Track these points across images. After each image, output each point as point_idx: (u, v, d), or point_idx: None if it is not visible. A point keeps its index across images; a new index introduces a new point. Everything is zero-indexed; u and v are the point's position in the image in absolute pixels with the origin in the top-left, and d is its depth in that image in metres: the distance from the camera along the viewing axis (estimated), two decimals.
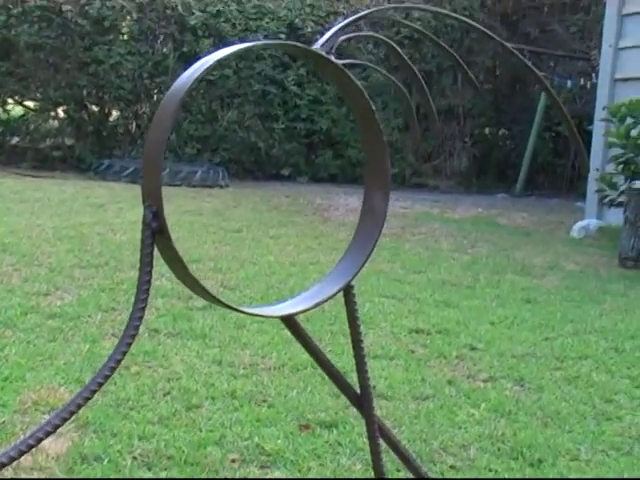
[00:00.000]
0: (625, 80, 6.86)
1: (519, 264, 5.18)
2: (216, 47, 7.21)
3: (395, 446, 1.94)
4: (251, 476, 2.12)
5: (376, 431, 1.84)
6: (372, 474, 1.93)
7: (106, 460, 2.12)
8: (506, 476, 2.21)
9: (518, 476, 2.22)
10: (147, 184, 1.43)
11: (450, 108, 10.00)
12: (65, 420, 1.37)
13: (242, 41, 8.33)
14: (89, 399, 1.39)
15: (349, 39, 1.84)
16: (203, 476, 2.10)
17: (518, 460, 2.29)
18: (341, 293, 1.78)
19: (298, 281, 4.19)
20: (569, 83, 10.35)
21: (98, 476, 2.06)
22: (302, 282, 4.14)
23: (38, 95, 9.23)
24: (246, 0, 9.17)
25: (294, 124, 9.32)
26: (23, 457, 1.39)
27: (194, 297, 3.32)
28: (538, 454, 2.33)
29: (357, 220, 1.85)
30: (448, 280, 4.54)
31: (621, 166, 6.08)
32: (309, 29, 9.14)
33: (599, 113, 6.96)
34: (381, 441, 1.88)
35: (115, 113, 9.44)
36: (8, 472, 1.96)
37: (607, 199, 6.36)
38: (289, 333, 1.78)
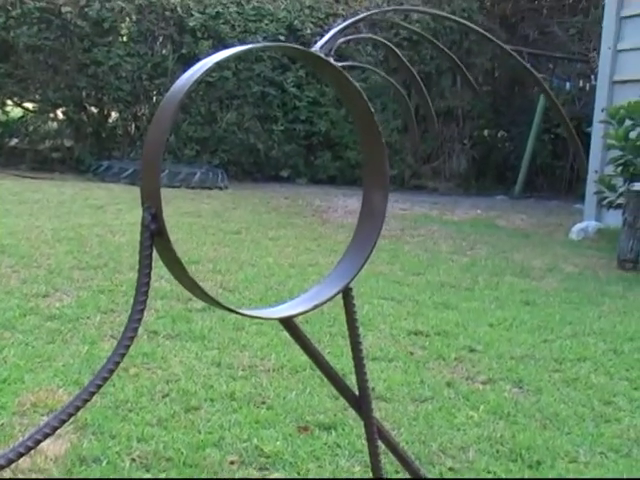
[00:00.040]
0: (624, 82, 6.87)
1: (518, 266, 5.18)
2: (215, 49, 7.21)
3: (394, 448, 1.94)
4: (250, 478, 2.12)
5: (375, 433, 1.84)
6: (371, 476, 1.93)
7: (105, 462, 2.12)
8: (504, 476, 2.21)
9: (517, 476, 2.22)
10: (146, 186, 1.43)
11: (449, 110, 10.01)
12: (64, 422, 1.37)
13: (241, 43, 8.36)
14: (88, 401, 1.39)
15: (348, 41, 1.84)
16: (202, 477, 2.10)
17: (517, 462, 2.29)
18: (340, 295, 1.78)
19: (297, 283, 4.19)
20: (568, 85, 10.36)
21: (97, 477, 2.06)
22: (301, 284, 4.14)
23: (37, 96, 9.23)
24: (245, 2, 9.17)
25: (293, 126, 9.32)
26: (22, 459, 1.39)
27: (193, 299, 3.32)
28: (537, 456, 2.33)
29: (356, 222, 1.86)
30: (447, 282, 4.54)
31: (620, 168, 6.08)
32: (308, 31, 9.15)
33: (598, 115, 6.97)
34: (380, 443, 1.88)
35: (114, 114, 9.44)
36: (6, 474, 1.95)
37: (606, 201, 6.36)
38: (288, 335, 1.78)
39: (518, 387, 2.91)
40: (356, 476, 2.17)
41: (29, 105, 9.44)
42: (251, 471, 2.15)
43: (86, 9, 8.61)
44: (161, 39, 9.09)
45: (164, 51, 9.08)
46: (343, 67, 1.70)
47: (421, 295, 4.16)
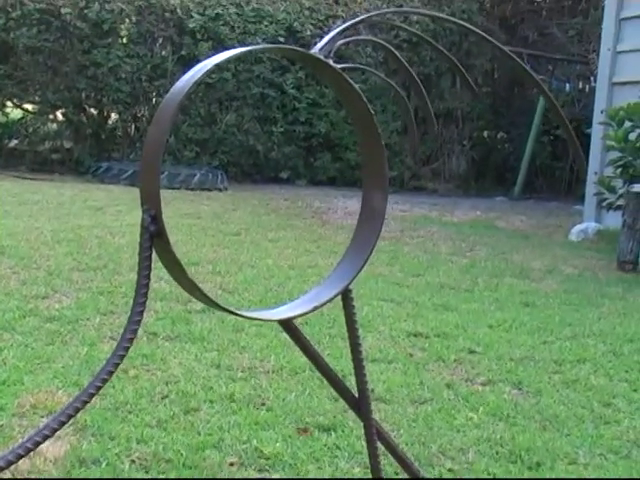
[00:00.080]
0: (623, 84, 6.87)
1: (517, 267, 5.18)
2: (215, 50, 7.22)
3: (393, 449, 1.94)
4: (249, 479, 2.12)
5: (374, 434, 1.84)
6: (370, 477, 1.92)
7: (104, 463, 2.12)
8: (503, 478, 2.22)
9: (517, 477, 2.22)
10: (145, 187, 1.43)
11: (449, 111, 10.01)
12: (63, 424, 1.37)
13: (241, 44, 8.36)
14: (87, 402, 1.39)
15: (347, 43, 1.84)
16: (202, 478, 2.10)
17: (516, 463, 2.29)
18: (339, 296, 1.78)
19: (297, 284, 4.19)
20: (567, 86, 10.37)
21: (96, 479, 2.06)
22: (301, 285, 4.14)
23: (37, 98, 9.23)
24: (245, 3, 9.18)
25: (293, 127, 9.33)
26: (21, 461, 1.39)
27: (193, 300, 3.32)
28: (536, 458, 2.33)
29: (356, 223, 1.86)
30: (447, 283, 4.54)
31: (619, 169, 6.09)
32: (308, 32, 9.15)
33: (597, 116, 6.97)
34: (379, 444, 1.88)
35: (114, 116, 9.45)
36: (6, 476, 1.95)
37: (605, 202, 6.36)
38: (287, 336, 1.78)
39: (518, 389, 2.91)
40: (356, 477, 2.16)
41: (29, 106, 9.44)
42: (251, 472, 2.14)
43: (86, 10, 8.61)
44: (161, 40, 9.09)
45: (164, 52, 9.09)
46: (342, 69, 1.70)
47: (421, 296, 4.16)
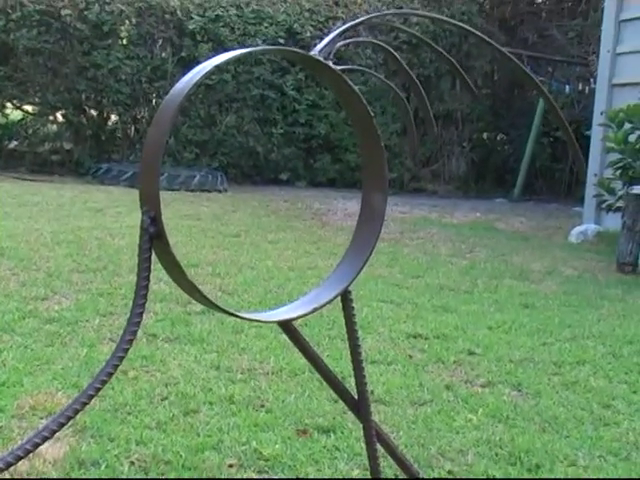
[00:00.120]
0: (623, 85, 6.88)
1: (517, 269, 5.18)
2: (215, 52, 7.22)
3: (393, 451, 1.94)
4: None
5: (373, 436, 1.84)
6: (370, 478, 1.93)
7: (103, 465, 2.12)
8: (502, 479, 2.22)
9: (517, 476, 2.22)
10: (145, 189, 1.43)
11: (448, 113, 10.02)
12: (62, 425, 1.37)
13: (241, 46, 8.36)
14: (86, 404, 1.39)
15: (347, 44, 1.84)
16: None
17: (516, 465, 2.29)
18: (339, 298, 1.78)
19: (296, 286, 4.19)
20: (567, 88, 10.37)
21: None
22: (300, 287, 4.14)
23: (37, 99, 9.24)
24: (245, 5, 9.18)
25: (293, 129, 9.33)
26: (20, 462, 1.39)
27: (192, 302, 3.32)
28: (536, 459, 2.33)
29: (355, 225, 1.86)
30: (446, 285, 4.54)
31: (619, 171, 6.09)
32: (308, 34, 9.16)
33: (597, 118, 6.98)
34: (379, 446, 1.88)
35: (114, 117, 9.45)
36: (5, 477, 1.95)
37: (605, 204, 6.37)
38: (287, 338, 1.78)
39: (517, 390, 2.91)
40: (355, 479, 2.16)
41: (29, 108, 9.45)
42: (250, 474, 2.14)
43: (86, 12, 8.62)
44: (161, 42, 9.09)
45: (164, 54, 9.10)
46: (342, 70, 1.70)
47: (420, 298, 4.16)
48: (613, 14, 7.04)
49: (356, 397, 1.84)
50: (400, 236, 6.20)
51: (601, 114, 6.82)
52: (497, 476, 2.22)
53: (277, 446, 2.28)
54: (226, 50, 1.62)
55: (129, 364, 2.79)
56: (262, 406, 2.58)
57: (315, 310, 1.74)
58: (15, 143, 9.56)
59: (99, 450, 2.18)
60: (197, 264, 4.50)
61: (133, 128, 9.41)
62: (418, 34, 2.32)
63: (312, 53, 1.67)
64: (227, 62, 1.51)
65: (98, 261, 4.42)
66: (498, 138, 11.29)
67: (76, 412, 1.38)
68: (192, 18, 8.90)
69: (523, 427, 2.56)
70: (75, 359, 2.87)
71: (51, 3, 8.53)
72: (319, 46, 1.69)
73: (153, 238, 1.42)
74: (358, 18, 1.85)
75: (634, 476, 2.29)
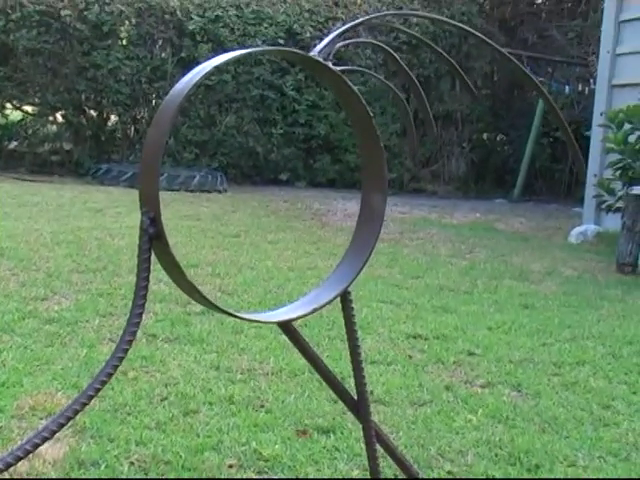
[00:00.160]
0: (623, 86, 6.88)
1: (517, 269, 5.18)
2: (215, 52, 7.22)
3: (392, 451, 1.94)
4: None
5: (373, 437, 1.84)
6: (369, 479, 1.93)
7: (103, 465, 2.12)
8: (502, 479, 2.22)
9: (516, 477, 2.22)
10: (145, 190, 1.43)
11: (448, 113, 10.02)
12: (62, 425, 1.37)
13: (241, 46, 8.36)
14: (86, 404, 1.39)
15: (347, 45, 1.84)
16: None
17: (515, 466, 2.29)
18: (339, 298, 1.78)
19: (296, 286, 4.19)
20: (567, 89, 10.38)
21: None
22: (300, 287, 4.14)
23: (36, 100, 9.24)
24: (245, 5, 9.18)
25: (292, 129, 9.33)
26: (20, 463, 1.39)
27: (192, 302, 3.32)
28: (535, 460, 2.33)
29: (355, 225, 1.86)
30: (446, 285, 4.54)
31: (619, 172, 6.09)
32: (308, 34, 9.16)
33: (597, 119, 6.98)
34: (378, 446, 1.88)
35: (113, 118, 9.45)
36: (5, 477, 1.95)
37: (605, 205, 6.37)
38: (287, 338, 1.78)
39: (517, 391, 2.91)
40: (355, 479, 2.17)
41: (28, 108, 9.45)
42: (250, 474, 2.14)
43: (85, 12, 8.62)
44: (160, 42, 9.09)
45: (163, 54, 9.10)
46: (342, 71, 1.70)
47: (420, 299, 4.16)
48: (613, 15, 7.04)
49: (356, 397, 1.84)
50: (400, 236, 6.20)
51: (601, 115, 6.82)
52: (497, 476, 2.23)
53: (277, 446, 2.28)
54: (226, 51, 1.63)
55: (129, 364, 2.79)
56: (262, 406, 2.58)
57: (315, 311, 1.74)
58: (15, 143, 9.56)
59: (99, 450, 2.18)
60: (197, 264, 4.50)
61: (133, 128, 9.41)
62: (418, 35, 2.33)
63: (312, 54, 1.68)
64: (227, 62, 1.51)
65: (98, 261, 4.42)
66: (498, 139, 11.29)
67: (76, 412, 1.38)
68: (192, 18, 8.90)
69: (523, 427, 2.56)
70: (75, 359, 2.87)
71: (51, 3, 8.53)
72: (319, 47, 1.69)
73: (153, 239, 1.42)
74: (358, 19, 1.85)
75: (634, 476, 2.29)
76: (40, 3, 8.49)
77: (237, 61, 8.37)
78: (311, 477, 2.15)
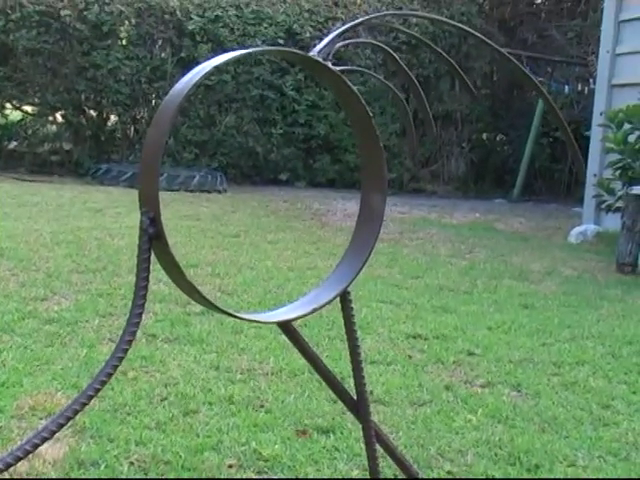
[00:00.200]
0: (622, 86, 6.88)
1: (516, 269, 5.19)
2: (214, 52, 7.22)
3: (392, 451, 1.94)
4: None
5: (373, 437, 1.85)
6: (369, 479, 1.93)
7: (103, 465, 2.12)
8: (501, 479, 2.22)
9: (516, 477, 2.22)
10: (144, 190, 1.43)
11: (448, 113, 10.02)
12: (62, 426, 1.37)
13: (240, 46, 8.36)
14: (86, 404, 1.39)
15: (347, 45, 1.84)
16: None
17: (515, 466, 2.29)
18: (338, 298, 1.78)
19: (296, 286, 4.19)
20: (566, 89, 10.38)
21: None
22: (300, 287, 4.14)
23: (36, 100, 9.24)
24: (244, 5, 9.18)
25: (292, 129, 9.33)
26: (20, 463, 1.39)
27: (192, 302, 3.31)
28: (535, 460, 2.33)
29: (355, 225, 1.86)
30: (446, 285, 4.54)
31: (619, 172, 6.09)
32: (307, 34, 9.16)
33: (597, 119, 6.98)
34: (378, 446, 1.88)
35: (113, 118, 9.45)
36: (5, 478, 1.95)
37: (605, 204, 6.37)
38: (286, 338, 1.78)
39: (517, 391, 2.91)
40: (354, 479, 2.17)
41: (28, 108, 9.45)
42: (249, 474, 2.14)
43: (85, 12, 8.62)
44: (160, 42, 9.09)
45: (163, 54, 9.10)
46: (341, 71, 1.70)
47: (420, 298, 4.16)
48: (612, 14, 7.05)
49: (355, 397, 1.85)
50: (399, 236, 6.20)
51: (600, 114, 6.82)
52: (497, 476, 2.23)
53: (276, 446, 2.28)
54: (225, 51, 1.63)
55: (128, 364, 2.79)
56: (262, 406, 2.58)
57: (314, 311, 1.74)
58: (15, 143, 9.56)
59: (99, 450, 2.18)
60: (196, 264, 4.50)
61: (132, 128, 9.41)
62: (417, 35, 2.33)
63: (311, 54, 1.68)
64: (226, 63, 1.51)
65: (97, 261, 4.42)
66: (497, 139, 11.29)
67: (75, 413, 1.38)
68: (192, 19, 8.90)
69: (522, 427, 2.56)
70: (75, 359, 2.87)
71: (51, 3, 8.53)
72: (318, 47, 1.69)
73: (152, 239, 1.42)
74: (357, 19, 1.85)
75: (634, 476, 2.30)
76: (40, 3, 8.49)
77: (237, 61, 8.37)
78: (311, 477, 2.15)
